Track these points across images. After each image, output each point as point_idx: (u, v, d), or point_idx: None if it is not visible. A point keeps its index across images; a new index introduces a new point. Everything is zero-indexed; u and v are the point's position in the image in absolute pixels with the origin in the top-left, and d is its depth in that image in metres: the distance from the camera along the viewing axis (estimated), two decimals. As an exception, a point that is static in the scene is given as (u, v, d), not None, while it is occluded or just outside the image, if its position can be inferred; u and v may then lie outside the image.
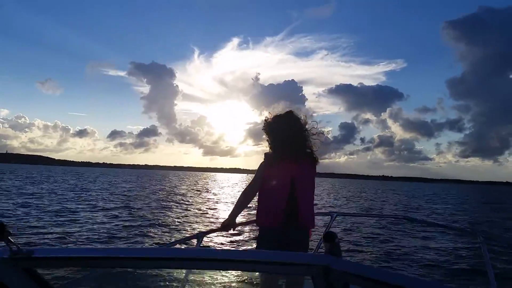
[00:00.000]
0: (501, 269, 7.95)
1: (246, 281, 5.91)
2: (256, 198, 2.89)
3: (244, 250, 1.18)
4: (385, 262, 8.82)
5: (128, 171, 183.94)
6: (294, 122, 2.85)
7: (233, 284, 5.81)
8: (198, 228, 13.06)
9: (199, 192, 34.43)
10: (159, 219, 14.26)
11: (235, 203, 2.89)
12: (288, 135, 2.79)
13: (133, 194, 26.64)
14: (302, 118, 2.89)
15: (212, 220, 15.23)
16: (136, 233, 11.26)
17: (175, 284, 5.15)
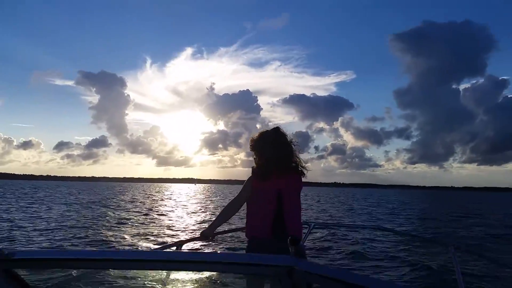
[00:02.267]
0: (471, 280, 8.08)
1: (223, 282, 6.10)
2: (244, 211, 3.00)
3: (214, 252, 1.15)
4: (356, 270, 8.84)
5: (69, 184, 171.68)
6: (280, 137, 2.93)
7: (211, 286, 6.13)
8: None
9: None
10: None
11: (219, 213, 2.98)
12: (275, 150, 2.87)
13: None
14: (288, 134, 2.98)
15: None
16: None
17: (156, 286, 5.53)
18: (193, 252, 0.94)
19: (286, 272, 0.88)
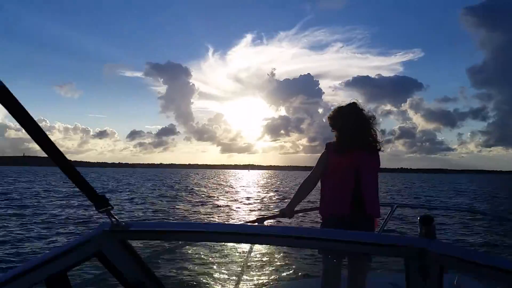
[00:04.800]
0: None
1: (310, 258, 6.40)
2: (318, 187, 2.91)
3: (328, 230, 1.11)
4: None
5: (139, 171, 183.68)
6: (357, 112, 2.88)
7: (298, 261, 6.52)
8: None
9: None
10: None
11: (295, 192, 2.93)
12: (352, 123, 2.83)
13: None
14: (365, 110, 2.92)
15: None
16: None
17: (243, 258, 5.77)
18: (300, 228, 0.90)
19: (416, 254, 0.81)
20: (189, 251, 6.49)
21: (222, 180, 60.19)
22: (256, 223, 2.99)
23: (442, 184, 58.27)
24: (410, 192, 35.64)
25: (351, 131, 2.83)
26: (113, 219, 0.97)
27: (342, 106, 2.96)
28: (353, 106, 2.93)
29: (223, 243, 6.02)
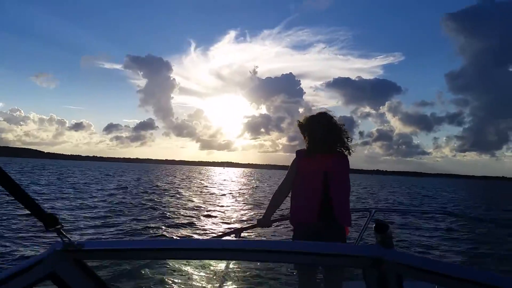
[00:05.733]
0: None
1: (286, 272, 6.20)
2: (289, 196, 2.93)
3: (290, 241, 1.12)
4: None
5: (109, 165, 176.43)
6: (325, 120, 2.90)
7: (274, 275, 6.17)
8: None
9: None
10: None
11: (270, 201, 2.94)
12: (322, 130, 2.84)
13: None
14: (336, 118, 2.95)
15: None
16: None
17: (217, 275, 5.48)
18: (262, 240, 0.91)
19: (371, 263, 0.79)
20: (158, 270, 5.93)
21: (180, 179, 55.00)
22: (233, 235, 2.97)
23: (423, 189, 55.65)
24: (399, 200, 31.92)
25: (320, 137, 2.82)
26: (65, 238, 0.92)
27: (313, 115, 2.95)
28: (323, 113, 2.93)
29: (195, 260, 6.34)
